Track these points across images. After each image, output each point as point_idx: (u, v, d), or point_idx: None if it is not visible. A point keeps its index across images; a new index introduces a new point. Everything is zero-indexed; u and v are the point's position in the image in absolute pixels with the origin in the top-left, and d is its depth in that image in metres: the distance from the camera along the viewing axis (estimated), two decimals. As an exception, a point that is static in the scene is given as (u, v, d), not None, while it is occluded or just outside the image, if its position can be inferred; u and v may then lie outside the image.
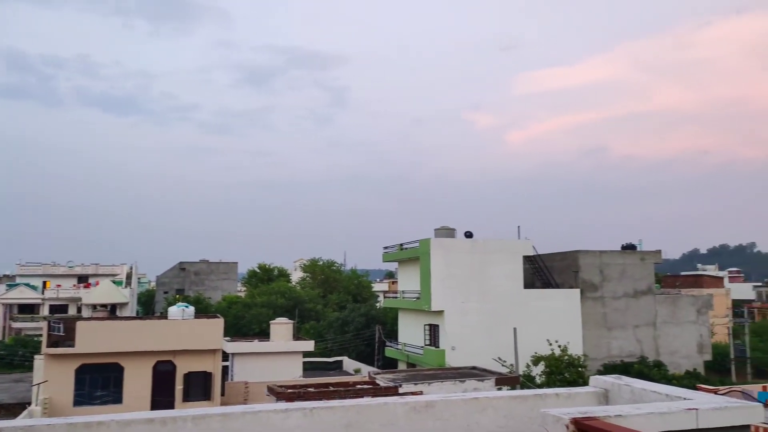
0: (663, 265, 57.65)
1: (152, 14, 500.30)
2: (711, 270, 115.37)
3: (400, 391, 20.37)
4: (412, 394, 17.96)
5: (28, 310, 66.57)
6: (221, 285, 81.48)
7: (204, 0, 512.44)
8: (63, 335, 27.23)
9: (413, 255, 40.61)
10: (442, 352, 36.85)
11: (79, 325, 26.84)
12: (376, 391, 19.96)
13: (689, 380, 34.51)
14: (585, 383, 6.67)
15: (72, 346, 26.19)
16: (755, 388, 28.24)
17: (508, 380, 24.95)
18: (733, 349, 49.43)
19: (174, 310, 29.47)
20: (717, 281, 74.85)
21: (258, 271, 78.44)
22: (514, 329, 32.28)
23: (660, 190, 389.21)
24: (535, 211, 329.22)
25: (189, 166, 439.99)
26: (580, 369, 30.93)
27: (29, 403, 29.81)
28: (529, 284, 40.31)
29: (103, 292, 59.40)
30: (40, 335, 34.30)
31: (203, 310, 50.49)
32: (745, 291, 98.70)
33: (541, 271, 41.67)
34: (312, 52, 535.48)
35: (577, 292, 39.94)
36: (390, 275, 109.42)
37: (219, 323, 28.70)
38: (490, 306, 37.79)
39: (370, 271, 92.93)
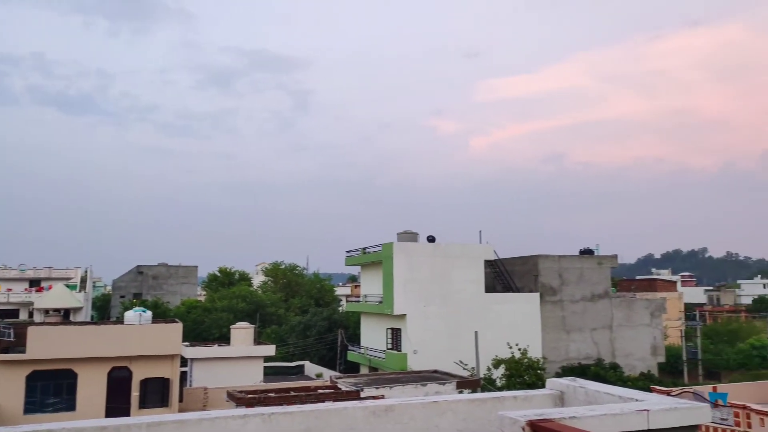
0: (619, 270, 59.08)
1: (112, 13, 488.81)
2: (665, 274, 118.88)
3: (362, 395, 20.33)
4: (374, 398, 17.95)
5: (-25, 315, 63.95)
6: (180, 289, 79.98)
7: (166, 0, 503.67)
8: (13, 341, 26.33)
9: (376, 259, 40.65)
10: (404, 355, 36.95)
11: (31, 330, 25.96)
12: (338, 395, 19.88)
13: (643, 382, 35.47)
14: (544, 385, 6.78)
15: (23, 351, 25.33)
16: (706, 389, 29.21)
17: (469, 383, 25.15)
18: (686, 352, 50.95)
19: (130, 315, 28.80)
20: (670, 285, 77.17)
21: (219, 275, 77.23)
22: (476, 333, 32.61)
23: (616, 196, 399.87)
24: (496, 215, 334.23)
25: (148, 168, 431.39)
26: (539, 371, 31.45)
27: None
28: (490, 288, 40.80)
29: (56, 297, 57.57)
30: (-11, 341, 32.95)
31: (161, 314, 49.44)
32: (696, 295, 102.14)
33: (502, 275, 42.24)
34: (276, 55, 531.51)
35: (536, 296, 40.62)
36: (353, 279, 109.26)
37: (177, 328, 28.14)
38: (451, 310, 38.09)
39: (333, 275, 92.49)
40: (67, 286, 63.57)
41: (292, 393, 19.87)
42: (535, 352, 35.78)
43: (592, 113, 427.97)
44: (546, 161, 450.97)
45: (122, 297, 75.73)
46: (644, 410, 4.50)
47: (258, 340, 39.89)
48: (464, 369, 31.61)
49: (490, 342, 33.55)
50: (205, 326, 52.16)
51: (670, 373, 48.03)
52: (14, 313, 63.89)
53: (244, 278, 78.14)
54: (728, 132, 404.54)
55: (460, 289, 38.66)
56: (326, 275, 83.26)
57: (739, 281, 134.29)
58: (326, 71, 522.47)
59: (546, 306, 40.73)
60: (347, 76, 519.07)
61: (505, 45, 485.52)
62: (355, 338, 46.98)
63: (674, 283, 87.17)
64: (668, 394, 26.85)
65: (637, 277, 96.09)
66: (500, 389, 29.43)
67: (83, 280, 69.04)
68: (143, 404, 26.34)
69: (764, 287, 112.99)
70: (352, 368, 44.10)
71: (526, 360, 31.98)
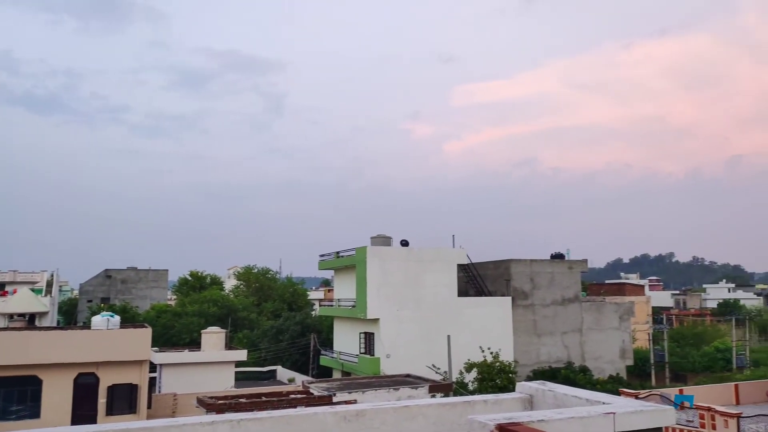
0: (589, 274, 60.10)
1: (81, 11, 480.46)
2: (633, 278, 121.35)
3: (335, 400, 20.25)
4: (346, 402, 17.90)
5: (-65, 320, 61.90)
6: (150, 293, 78.66)
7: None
8: (-26, 347, 25.46)
9: (349, 263, 40.59)
10: (376, 360, 36.93)
11: (-7, 336, 25.24)
12: (310, 400, 19.77)
13: (612, 384, 36.07)
14: (515, 389, 6.86)
15: (-16, 358, 24.57)
16: (672, 391, 29.78)
17: (442, 387, 25.23)
18: (653, 354, 51.97)
19: (98, 320, 28.22)
20: (638, 289, 78.69)
21: (189, 278, 76.17)
22: (448, 337, 32.77)
23: (587, 200, 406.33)
24: (470, 219, 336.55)
25: (118, 170, 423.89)
26: (510, 375, 31.69)
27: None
28: (463, 292, 41.05)
29: (20, 301, 56.07)
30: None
31: (130, 319, 48.57)
32: (663, 299, 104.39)
33: (475, 280, 42.54)
34: (250, 57, 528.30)
35: (508, 299, 41.01)
36: (326, 283, 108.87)
37: (146, 333, 27.66)
38: (424, 314, 38.22)
39: (306, 279, 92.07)
40: (32, 290, 61.97)
41: (264, 398, 19.69)
42: (507, 356, 36.06)
43: (565, 119, 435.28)
44: (519, 166, 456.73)
45: (89, 301, 74.14)
46: (610, 413, 4.59)
47: (229, 344, 39.45)
48: (437, 373, 31.71)
49: (463, 346, 33.74)
50: (175, 331, 51.41)
51: (638, 375, 48.93)
52: (-24, 318, 62.06)
53: (216, 282, 77.24)
54: (695, 139, 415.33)
55: (433, 294, 38.83)
56: (299, 279, 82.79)
57: (704, 285, 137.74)
58: (301, 74, 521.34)
59: (518, 310, 41.14)
60: (322, 79, 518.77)
61: (481, 51, 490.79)
62: (328, 343, 46.80)
63: (642, 287, 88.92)
64: (636, 396, 27.31)
65: (607, 281, 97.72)
66: (473, 393, 29.58)
67: (49, 284, 67.39)
68: (110, 411, 25.81)
69: (729, 291, 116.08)
70: (324, 373, 43.91)
71: (498, 364, 32.19)
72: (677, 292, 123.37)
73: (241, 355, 35.97)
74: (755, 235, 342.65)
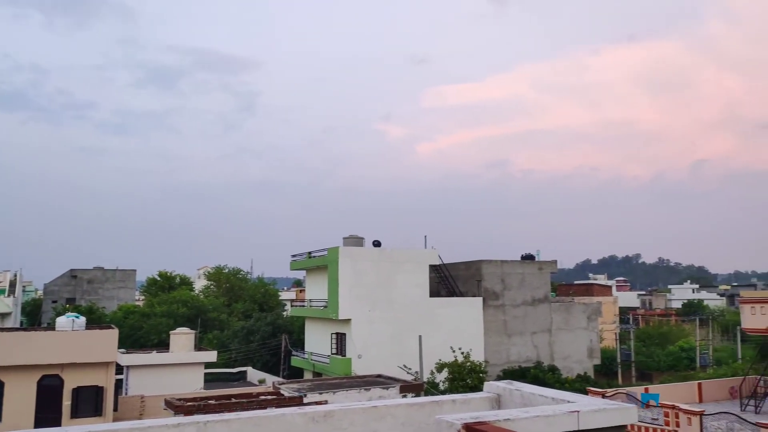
0: (558, 275, 61.04)
1: (47, 6, 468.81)
2: (601, 279, 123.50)
3: (305, 401, 20.16)
4: (317, 403, 17.83)
5: None
6: (117, 294, 77.17)
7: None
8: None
9: (321, 263, 40.46)
10: (348, 360, 36.88)
11: (-48, 337, 24.50)
12: (280, 401, 19.64)
13: (580, 383, 36.67)
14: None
15: (-57, 360, 23.84)
16: (638, 390, 30.38)
17: (413, 387, 25.32)
18: (620, 354, 52.96)
19: (63, 321, 27.59)
20: (606, 290, 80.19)
21: (158, 279, 74.97)
22: (419, 337, 32.91)
23: (556, 202, 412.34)
24: (441, 220, 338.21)
25: (84, 168, 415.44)
26: (481, 375, 31.96)
27: None
28: (434, 293, 41.27)
29: (-19, 302, 54.55)
30: None
31: (96, 320, 47.61)
32: (630, 299, 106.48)
33: (447, 280, 42.81)
34: (222, 55, 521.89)
35: (479, 300, 41.36)
36: (298, 283, 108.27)
37: (113, 334, 27.16)
38: (396, 314, 38.31)
39: (278, 280, 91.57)
40: (-6, 290, 60.32)
41: (233, 400, 19.48)
42: (478, 356, 36.36)
43: (536, 122, 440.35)
44: (490, 168, 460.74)
45: (54, 302, 72.41)
46: (575, 411, 4.67)
47: (199, 345, 38.98)
48: (408, 373, 31.81)
49: (434, 346, 33.91)
50: (143, 332, 50.59)
51: (605, 374, 49.81)
52: (-66, 320, 60.09)
53: (186, 282, 76.17)
54: (660, 143, 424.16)
55: (405, 294, 38.95)
56: (271, 279, 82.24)
57: (669, 286, 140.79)
58: (274, 73, 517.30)
59: (489, 310, 41.53)
60: (295, 78, 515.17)
61: (454, 53, 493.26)
62: (299, 343, 46.57)
63: (610, 287, 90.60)
64: (603, 395, 27.83)
65: (576, 282, 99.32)
66: (444, 393, 29.74)
67: (12, 285, 65.63)
68: (75, 414, 25.26)
69: (693, 292, 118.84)
70: (296, 374, 43.68)
71: (468, 364, 32.44)
72: (643, 292, 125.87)
73: (211, 356, 35.57)
74: (718, 237, 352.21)
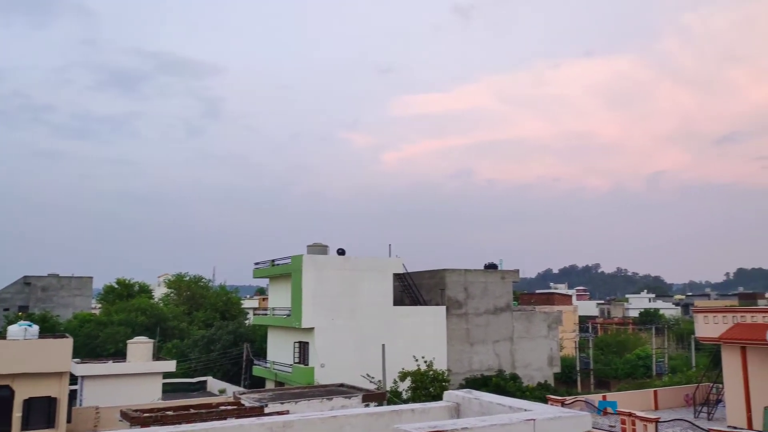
0: (520, 284, 61.92)
1: (3, 4, 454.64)
2: (561, 288, 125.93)
3: (266, 410, 19.91)
4: (278, 413, 17.63)
5: None
6: (73, 302, 74.92)
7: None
8: None
9: (285, 271, 40.15)
10: (311, 369, 36.61)
11: None
12: (241, 412, 19.34)
13: (540, 391, 37.18)
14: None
15: None
16: (596, 398, 30.97)
17: (375, 397, 25.26)
18: (579, 362, 53.91)
19: (14, 330, 26.64)
20: (566, 299, 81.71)
21: (116, 286, 73.08)
22: (383, 345, 32.86)
23: (519, 212, 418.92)
24: (406, 229, 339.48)
25: (40, 172, 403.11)
26: (444, 383, 32.13)
27: None
28: (398, 301, 41.36)
29: (-73, 309, 52.29)
30: None
31: (50, 329, 46.14)
32: (589, 308, 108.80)
33: (410, 289, 42.96)
34: (185, 59, 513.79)
35: (443, 309, 41.62)
36: (261, 292, 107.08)
37: (67, 343, 26.35)
38: (360, 323, 38.23)
39: (240, 288, 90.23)
40: (-59, 297, 57.93)
41: (192, 410, 19.10)
42: (441, 365, 36.56)
43: (499, 133, 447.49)
44: (454, 177, 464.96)
45: (6, 310, 69.86)
46: (531, 420, 4.76)
47: (157, 355, 38.14)
48: (371, 382, 31.73)
49: (397, 355, 33.94)
50: (99, 341, 49.24)
51: (565, 382, 50.62)
52: None
53: (145, 290, 74.45)
54: (619, 155, 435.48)
55: (368, 302, 38.92)
56: (233, 287, 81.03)
57: (627, 295, 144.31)
58: (238, 79, 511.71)
59: (452, 319, 41.81)
60: (260, 84, 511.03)
61: (419, 64, 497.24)
62: (261, 352, 46.01)
63: (570, 297, 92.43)
64: (563, 403, 28.28)
65: (537, 291, 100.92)
66: (406, 402, 29.77)
67: (-40, 292, 63.15)
68: (26, 426, 24.39)
69: (649, 301, 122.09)
70: (257, 383, 43.12)
71: (431, 372, 32.58)
72: (602, 301, 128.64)
73: (170, 365, 34.84)
74: (674, 248, 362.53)
